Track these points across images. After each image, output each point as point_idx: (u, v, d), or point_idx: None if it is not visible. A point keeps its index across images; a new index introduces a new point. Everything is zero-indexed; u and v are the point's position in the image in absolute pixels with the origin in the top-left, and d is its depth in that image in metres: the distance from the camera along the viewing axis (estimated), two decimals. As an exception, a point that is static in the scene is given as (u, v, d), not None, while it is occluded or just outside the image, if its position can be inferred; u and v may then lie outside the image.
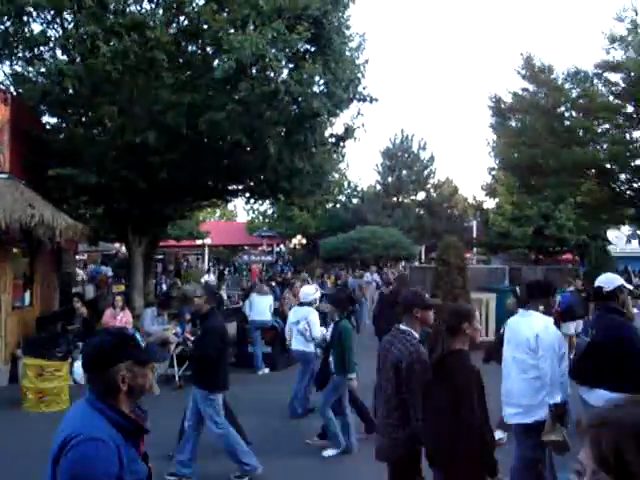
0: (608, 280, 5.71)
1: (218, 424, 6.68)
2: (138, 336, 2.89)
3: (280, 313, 14.75)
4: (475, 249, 41.43)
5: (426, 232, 42.78)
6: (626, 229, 34.32)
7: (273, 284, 20.56)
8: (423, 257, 41.20)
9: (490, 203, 41.00)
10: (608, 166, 20.16)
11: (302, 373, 9.51)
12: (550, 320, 5.59)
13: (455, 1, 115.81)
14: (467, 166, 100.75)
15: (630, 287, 5.72)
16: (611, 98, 20.37)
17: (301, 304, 10.04)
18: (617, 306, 5.58)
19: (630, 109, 20.17)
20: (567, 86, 21.09)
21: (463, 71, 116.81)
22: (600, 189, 22.70)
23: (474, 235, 40.19)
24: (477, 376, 4.24)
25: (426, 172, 47.03)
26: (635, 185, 21.49)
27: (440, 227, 41.80)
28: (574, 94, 20.67)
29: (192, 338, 11.49)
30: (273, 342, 13.58)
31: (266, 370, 13.09)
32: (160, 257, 31.09)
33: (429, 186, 47.39)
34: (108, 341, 2.72)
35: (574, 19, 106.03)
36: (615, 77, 20.14)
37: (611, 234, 34.10)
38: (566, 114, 21.51)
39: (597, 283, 5.80)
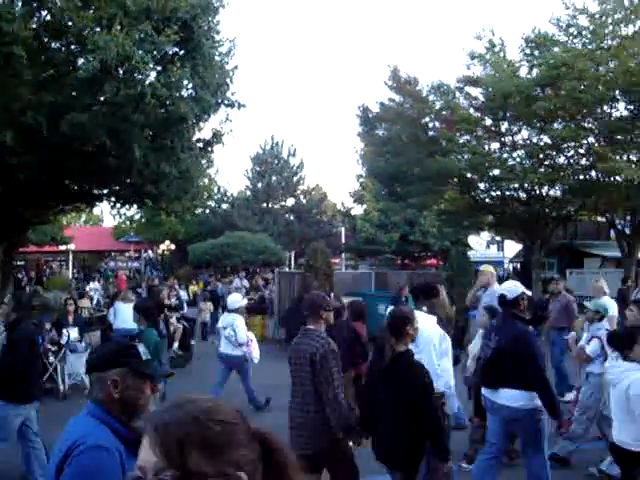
0: (511, 288, 5.99)
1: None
2: (141, 348, 2.84)
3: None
4: (344, 254, 42.16)
5: (295, 238, 43.15)
6: (485, 235, 36.09)
7: (140, 291, 20.11)
8: (293, 263, 41.55)
9: (358, 209, 41.99)
10: (469, 175, 21.09)
11: (244, 376, 10.05)
12: (433, 319, 5.94)
13: (327, 11, 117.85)
14: (336, 173, 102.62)
15: (529, 293, 6.07)
16: (472, 111, 21.35)
17: (229, 311, 10.42)
18: (519, 313, 5.85)
19: (488, 122, 21.22)
20: (431, 98, 21.89)
21: (333, 80, 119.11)
22: (461, 197, 23.73)
23: (343, 241, 40.91)
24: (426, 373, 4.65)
25: (296, 178, 47.41)
26: (493, 194, 22.63)
27: (309, 233, 42.31)
28: (438, 106, 21.49)
29: (54, 348, 11.16)
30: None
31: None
32: (20, 264, 29.61)
33: (298, 192, 47.79)
34: (109, 347, 2.84)
35: (438, 35, 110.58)
36: (475, 91, 21.16)
37: (472, 240, 35.79)
38: (430, 125, 22.32)
39: (500, 291, 6.13)
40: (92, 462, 2.41)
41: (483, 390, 5.97)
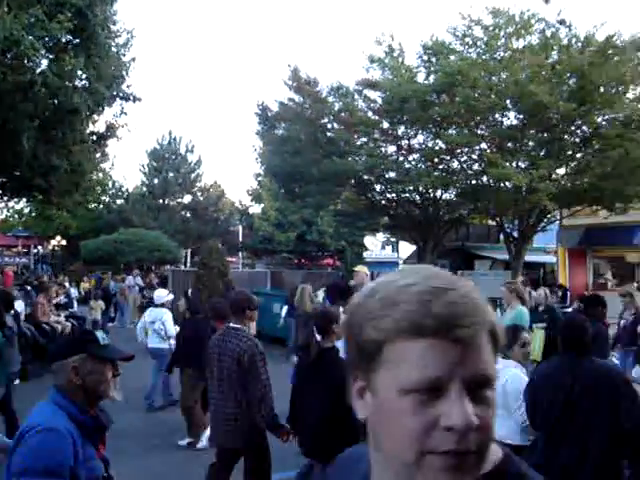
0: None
1: None
2: (99, 334, 2.89)
3: (32, 319, 13.35)
4: (241, 253, 41.94)
5: (191, 235, 42.59)
6: (381, 236, 36.70)
7: (28, 288, 19.29)
8: (189, 261, 40.99)
9: (256, 208, 41.82)
10: (365, 177, 21.39)
11: (158, 368, 10.20)
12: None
13: (229, 6, 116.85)
14: (234, 171, 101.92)
15: None
16: (370, 114, 21.66)
17: (155, 305, 10.70)
18: None
19: (386, 125, 21.60)
20: (330, 99, 22.06)
21: (233, 77, 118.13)
22: (358, 198, 24.06)
23: (240, 239, 40.71)
24: None
25: (193, 175, 46.80)
26: (389, 195, 23.06)
27: (206, 231, 41.85)
28: (337, 107, 21.67)
29: None
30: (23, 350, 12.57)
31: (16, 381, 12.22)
32: None
33: (196, 189, 47.20)
34: (68, 337, 3.17)
35: (339, 38, 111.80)
36: (374, 95, 21.47)
37: (368, 240, 36.31)
38: (329, 126, 22.48)
39: None
40: (41, 443, 2.45)
41: None
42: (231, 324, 5.35)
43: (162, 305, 10.63)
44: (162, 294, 11.05)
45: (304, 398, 5.05)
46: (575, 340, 4.23)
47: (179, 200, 46.46)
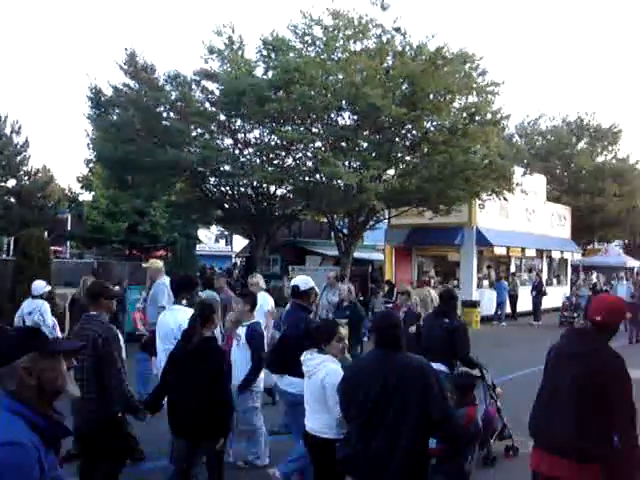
0: (304, 281, 6.76)
1: None
2: (44, 329, 2.49)
3: None
4: (69, 242, 40.11)
5: (15, 222, 40.12)
6: (215, 229, 36.47)
7: None
8: (12, 249, 38.58)
9: (86, 196, 40.11)
10: (200, 169, 21.07)
11: None
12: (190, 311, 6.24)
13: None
14: (65, 156, 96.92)
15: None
16: (207, 105, 21.37)
17: (33, 297, 10.46)
18: (306, 304, 6.69)
19: (223, 118, 21.41)
20: (167, 88, 21.54)
21: (64, 55, 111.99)
22: (192, 190, 23.69)
23: (68, 228, 38.90)
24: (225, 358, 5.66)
25: (19, 158, 44.05)
26: (222, 188, 22.88)
27: (31, 218, 39.58)
28: (173, 96, 21.19)
29: None
30: None
31: None
32: None
33: (21, 173, 44.45)
34: (9, 336, 2.63)
35: (179, 24, 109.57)
36: (212, 86, 21.22)
37: (201, 233, 35.94)
38: (164, 115, 21.95)
39: (294, 282, 6.90)
40: (5, 460, 2.29)
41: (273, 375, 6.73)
42: (90, 312, 5.54)
43: (40, 296, 10.47)
44: (41, 285, 10.75)
45: (182, 382, 5.37)
46: (387, 334, 4.32)
47: (2, 184, 43.58)
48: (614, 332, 4.38)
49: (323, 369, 4.94)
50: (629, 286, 22.74)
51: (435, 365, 6.60)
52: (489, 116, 21.16)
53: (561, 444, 4.13)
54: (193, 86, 21.31)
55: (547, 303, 26.49)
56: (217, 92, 20.93)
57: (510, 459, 7.54)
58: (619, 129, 40.62)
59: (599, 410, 4.04)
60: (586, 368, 4.10)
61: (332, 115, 20.57)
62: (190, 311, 6.11)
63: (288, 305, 7.59)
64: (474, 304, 22.81)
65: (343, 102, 19.62)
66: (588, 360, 4.11)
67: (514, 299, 25.56)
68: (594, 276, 32.20)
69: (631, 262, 41.62)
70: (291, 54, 19.90)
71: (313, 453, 5.09)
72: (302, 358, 5.18)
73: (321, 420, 4.93)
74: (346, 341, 5.27)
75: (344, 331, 5.44)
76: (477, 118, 20.76)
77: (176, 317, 6.55)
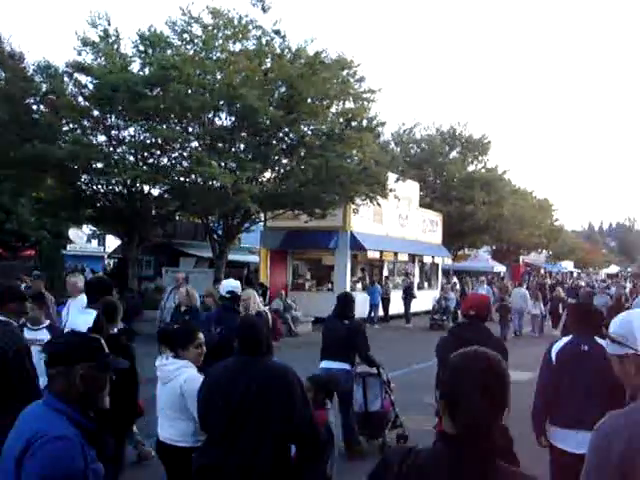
0: (237, 285, 7.35)
1: None
2: (103, 342, 2.88)
3: None
4: None
5: None
6: (87, 228, 35.17)
7: None
8: None
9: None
10: (71, 165, 20.24)
11: None
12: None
13: None
14: None
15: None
16: (80, 99, 20.58)
17: None
18: (237, 307, 7.20)
19: (96, 113, 20.67)
20: (37, 79, 20.59)
21: None
22: (62, 187, 22.74)
23: None
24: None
25: None
26: (95, 186, 22.09)
27: None
28: (44, 88, 20.28)
29: None
30: None
31: None
32: None
33: None
34: (74, 340, 2.87)
35: (52, 11, 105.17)
36: (85, 79, 20.42)
37: (72, 232, 34.57)
38: (34, 107, 20.98)
39: (230, 287, 7.37)
40: (55, 452, 2.47)
41: None
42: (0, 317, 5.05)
43: None
44: None
45: None
46: (250, 340, 4.29)
47: None
48: (485, 321, 6.12)
49: (181, 375, 4.80)
50: (489, 289, 23.94)
51: (337, 364, 7.76)
52: (365, 122, 21.60)
53: None
54: (65, 78, 20.41)
55: (419, 306, 27.34)
56: (91, 86, 20.18)
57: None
58: (489, 140, 42.54)
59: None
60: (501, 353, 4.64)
61: (209, 115, 20.36)
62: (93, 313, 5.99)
63: (215, 308, 8.43)
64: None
65: (221, 102, 19.45)
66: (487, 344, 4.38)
67: (387, 302, 26.17)
68: (454, 280, 33.55)
69: (498, 267, 43.74)
70: (169, 51, 19.57)
71: (167, 463, 4.94)
72: (157, 363, 5.02)
73: (177, 428, 4.80)
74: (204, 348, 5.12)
75: (202, 337, 5.29)
76: (353, 124, 21.16)
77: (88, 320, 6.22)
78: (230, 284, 7.38)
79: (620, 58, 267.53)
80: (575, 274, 72.68)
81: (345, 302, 8.39)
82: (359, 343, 7.94)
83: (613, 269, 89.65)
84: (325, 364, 7.91)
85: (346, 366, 7.85)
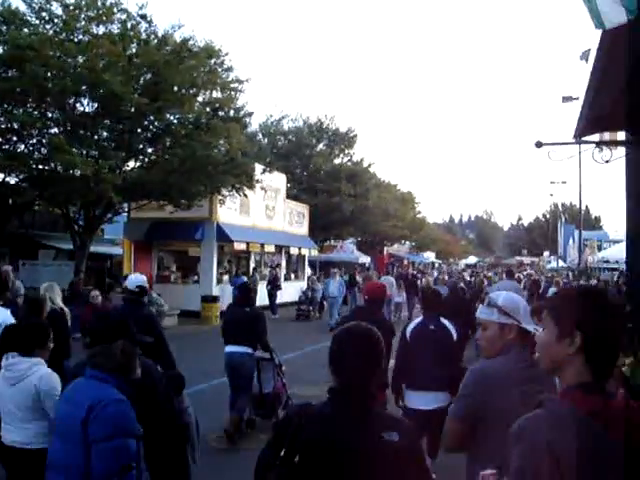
0: (140, 279, 7.42)
1: None
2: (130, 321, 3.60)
3: None
4: None
5: None
6: None
7: None
8: None
9: None
10: None
11: None
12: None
13: None
14: None
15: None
16: None
17: None
18: (141, 299, 7.30)
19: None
20: None
21: None
22: None
23: None
24: None
25: None
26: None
27: None
28: None
29: None
30: None
31: None
32: None
33: None
34: (112, 322, 3.64)
35: None
36: None
37: None
38: None
39: (139, 282, 7.35)
40: (118, 411, 3.17)
41: None
42: None
43: None
44: None
45: None
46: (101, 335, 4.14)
47: None
48: (382, 304, 7.65)
49: (35, 374, 4.58)
50: (341, 281, 24.21)
51: (240, 348, 8.44)
52: (232, 112, 21.45)
53: None
54: None
55: (286, 297, 27.52)
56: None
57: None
58: (355, 134, 43.40)
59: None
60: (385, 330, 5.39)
61: (70, 100, 19.40)
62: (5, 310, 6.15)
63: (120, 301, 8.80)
64: (214, 299, 22.93)
65: (82, 87, 18.57)
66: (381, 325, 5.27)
67: (254, 294, 26.09)
68: (308, 270, 34.21)
69: (363, 258, 44.73)
70: (25, 29, 18.47)
71: (13, 469, 4.66)
72: (3, 363, 4.73)
73: (30, 430, 4.55)
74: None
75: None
76: (221, 114, 20.97)
77: None
78: (138, 278, 7.43)
79: (478, 54, 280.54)
80: (437, 264, 75.57)
81: (244, 291, 9.35)
82: (259, 329, 8.64)
83: (472, 260, 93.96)
84: (229, 348, 8.60)
85: (249, 350, 8.52)
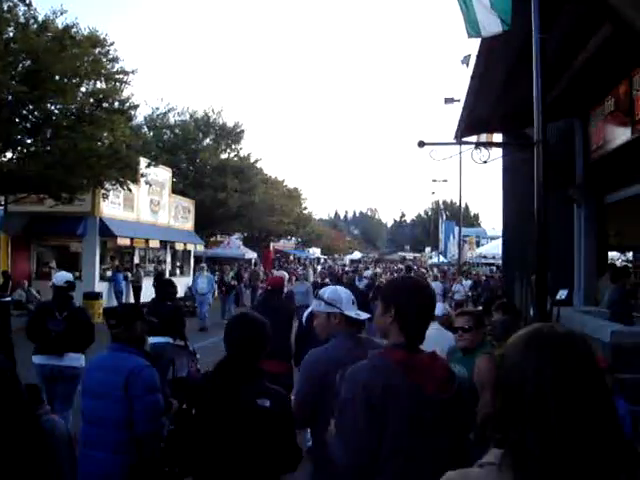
0: (67, 275, 8.51)
1: None
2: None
3: None
4: None
5: None
6: None
7: None
8: None
9: None
10: None
11: None
12: None
13: None
14: None
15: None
16: None
17: None
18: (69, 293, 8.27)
19: None
20: None
21: None
22: None
23: None
24: None
25: None
26: None
27: None
28: None
29: None
30: None
31: None
32: None
33: None
34: (131, 306, 5.54)
35: None
36: None
37: None
38: None
39: (67, 279, 8.39)
40: (151, 374, 4.29)
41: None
42: None
43: None
44: None
45: None
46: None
47: None
48: (281, 292, 9.35)
49: None
50: (209, 277, 23.91)
51: (162, 338, 9.14)
52: (117, 104, 20.89)
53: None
54: None
55: (170, 294, 27.02)
56: None
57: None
58: (242, 129, 43.11)
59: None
60: (284, 312, 8.12)
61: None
62: None
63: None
64: (97, 296, 22.25)
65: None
66: (284, 309, 8.07)
67: (138, 290, 25.65)
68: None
69: (249, 254, 44.68)
70: None
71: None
72: None
73: None
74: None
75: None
76: (105, 105, 20.36)
77: None
78: (65, 275, 8.45)
79: (365, 52, 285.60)
80: (322, 260, 76.45)
81: (165, 287, 10.66)
82: (178, 321, 9.77)
83: (357, 255, 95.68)
84: (152, 339, 8.90)
85: (169, 339, 9.43)
